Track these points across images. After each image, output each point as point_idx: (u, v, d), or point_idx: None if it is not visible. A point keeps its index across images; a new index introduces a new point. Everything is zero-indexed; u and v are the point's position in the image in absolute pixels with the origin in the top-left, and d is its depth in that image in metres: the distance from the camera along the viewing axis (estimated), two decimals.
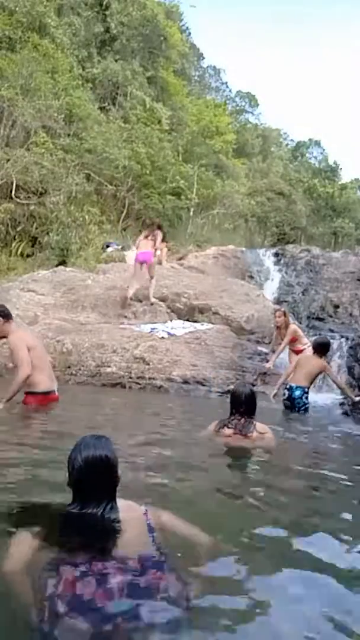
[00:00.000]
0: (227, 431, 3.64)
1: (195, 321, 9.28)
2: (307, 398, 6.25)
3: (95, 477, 1.68)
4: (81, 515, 1.65)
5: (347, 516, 2.47)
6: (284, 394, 6.39)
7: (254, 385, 4.39)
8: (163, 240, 14.30)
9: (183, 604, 1.42)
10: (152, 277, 9.47)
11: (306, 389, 6.24)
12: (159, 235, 9.88)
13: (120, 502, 1.73)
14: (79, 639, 1.28)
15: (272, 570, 1.81)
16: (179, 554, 1.75)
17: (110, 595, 1.38)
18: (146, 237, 9.79)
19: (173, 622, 1.35)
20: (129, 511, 1.72)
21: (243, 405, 3.67)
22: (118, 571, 1.46)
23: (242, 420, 3.61)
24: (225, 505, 2.52)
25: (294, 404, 6.23)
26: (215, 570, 1.75)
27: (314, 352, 6.33)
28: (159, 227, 10.28)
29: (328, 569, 1.86)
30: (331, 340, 8.52)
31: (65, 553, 1.56)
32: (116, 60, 20.64)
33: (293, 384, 6.29)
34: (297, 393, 6.21)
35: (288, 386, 6.34)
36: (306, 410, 6.28)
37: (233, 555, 1.88)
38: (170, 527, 1.86)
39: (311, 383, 6.39)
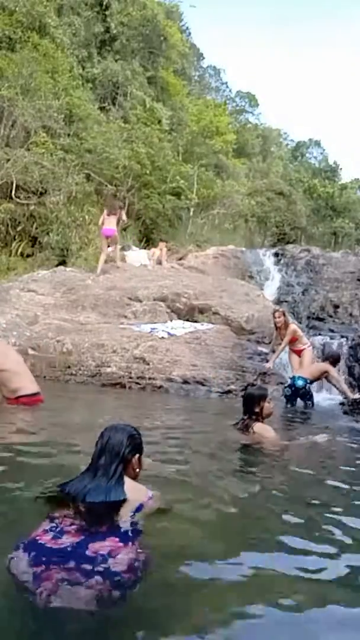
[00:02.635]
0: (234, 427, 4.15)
1: (195, 321, 9.28)
2: (310, 388, 6.56)
3: (105, 451, 2.02)
4: (90, 480, 1.94)
5: (340, 514, 2.47)
6: (287, 381, 6.79)
7: (253, 386, 4.49)
8: (162, 240, 14.39)
9: (127, 577, 1.50)
10: (115, 244, 11.64)
11: (309, 381, 6.55)
12: (123, 213, 11.61)
13: (129, 482, 1.98)
14: (23, 575, 1.46)
15: (264, 567, 1.81)
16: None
17: (57, 545, 1.58)
18: (109, 214, 11.04)
19: (98, 588, 1.43)
20: (132, 491, 1.95)
21: (243, 407, 4.13)
22: (80, 531, 1.68)
23: (247, 419, 4.08)
24: (219, 498, 2.54)
25: (299, 395, 6.52)
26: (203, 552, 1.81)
27: (325, 360, 6.80)
28: (120, 208, 12.03)
29: (323, 567, 1.86)
30: (331, 340, 8.56)
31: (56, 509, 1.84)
32: (116, 60, 20.64)
33: (296, 374, 6.67)
34: (300, 383, 6.49)
35: (291, 376, 6.77)
36: (311, 398, 6.53)
37: (224, 550, 1.89)
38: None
39: (314, 380, 6.68)
